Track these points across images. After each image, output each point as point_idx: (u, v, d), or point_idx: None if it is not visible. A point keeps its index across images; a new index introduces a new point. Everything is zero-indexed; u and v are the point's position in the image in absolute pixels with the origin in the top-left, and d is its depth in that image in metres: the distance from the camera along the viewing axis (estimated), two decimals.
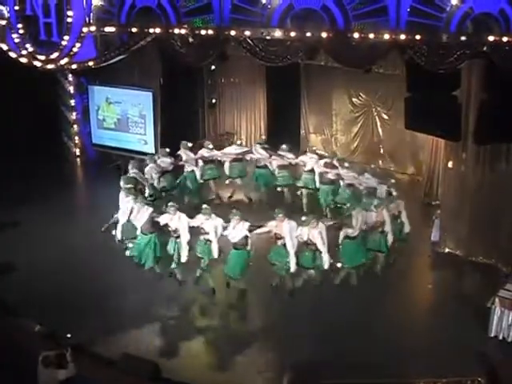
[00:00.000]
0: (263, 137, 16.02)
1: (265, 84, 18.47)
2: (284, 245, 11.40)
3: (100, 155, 18.38)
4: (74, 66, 15.38)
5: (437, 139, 14.19)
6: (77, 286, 11.73)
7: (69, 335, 8.99)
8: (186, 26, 13.19)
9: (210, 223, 11.54)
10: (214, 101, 19.08)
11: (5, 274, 12.10)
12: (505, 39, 10.89)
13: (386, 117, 17.32)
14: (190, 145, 15.19)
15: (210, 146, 15.34)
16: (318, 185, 14.69)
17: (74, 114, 18.47)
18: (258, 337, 10.68)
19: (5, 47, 15.64)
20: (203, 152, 15.17)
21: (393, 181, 13.74)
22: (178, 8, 13.30)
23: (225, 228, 11.58)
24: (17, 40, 15.51)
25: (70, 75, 17.73)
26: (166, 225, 11.73)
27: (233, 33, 12.67)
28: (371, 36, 11.65)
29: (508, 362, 9.59)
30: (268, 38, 12.45)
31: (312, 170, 14.72)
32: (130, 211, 12.08)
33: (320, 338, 10.37)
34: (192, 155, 15.03)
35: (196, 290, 11.89)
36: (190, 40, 13.38)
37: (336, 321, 10.82)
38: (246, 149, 15.46)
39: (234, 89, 19.07)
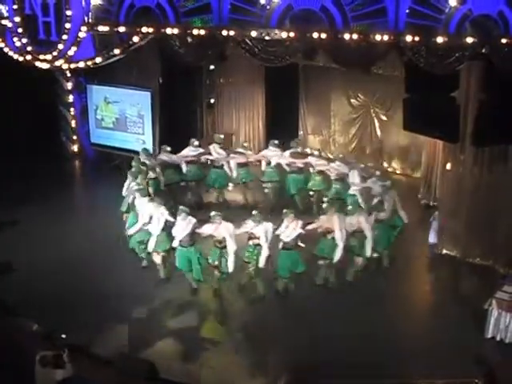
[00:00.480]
0: (245, 144, 15.84)
1: (263, 84, 18.48)
2: (333, 238, 11.44)
3: (99, 155, 18.37)
4: (72, 66, 15.38)
5: (435, 141, 14.19)
6: (76, 286, 11.72)
7: (64, 335, 8.97)
8: (184, 25, 13.21)
9: (260, 228, 11.33)
10: (212, 101, 19.05)
11: (4, 274, 12.07)
12: (503, 41, 10.91)
13: (384, 118, 17.34)
14: (168, 148, 14.98)
15: (196, 143, 15.23)
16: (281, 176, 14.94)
17: (73, 113, 18.45)
18: (258, 337, 10.65)
19: (3, 46, 15.65)
20: (187, 152, 15.04)
21: (378, 172, 13.91)
22: (177, 8, 13.31)
23: (275, 230, 11.44)
24: (15, 39, 15.53)
25: (69, 74, 17.72)
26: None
27: (232, 33, 12.69)
28: (370, 37, 11.67)
29: (506, 364, 9.60)
30: (267, 38, 12.46)
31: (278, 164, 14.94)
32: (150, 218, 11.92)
33: (320, 338, 10.38)
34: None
35: (195, 291, 11.88)
36: (189, 40, 13.40)
37: (336, 321, 10.83)
38: (202, 150, 15.12)
39: (232, 89, 19.05)
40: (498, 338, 10.40)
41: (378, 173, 13.88)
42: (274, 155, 15.01)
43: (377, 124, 17.56)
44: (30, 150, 17.37)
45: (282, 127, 17.97)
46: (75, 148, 18.79)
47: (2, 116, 16.96)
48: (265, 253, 11.30)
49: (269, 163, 15.13)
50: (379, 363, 9.59)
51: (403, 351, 10.21)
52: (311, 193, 15.04)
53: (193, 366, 9.99)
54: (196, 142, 15.18)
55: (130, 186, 12.83)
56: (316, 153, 15.13)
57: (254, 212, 11.64)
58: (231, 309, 11.56)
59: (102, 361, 9.54)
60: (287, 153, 15.01)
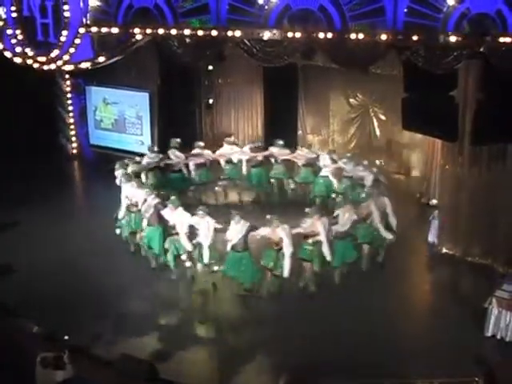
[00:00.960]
0: (201, 143, 15.66)
1: (262, 85, 18.47)
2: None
3: (98, 156, 18.37)
4: (71, 67, 15.36)
5: (434, 140, 14.21)
6: (76, 287, 11.73)
7: (66, 337, 8.97)
8: (182, 26, 13.21)
9: (319, 223, 11.32)
10: (211, 101, 19.05)
11: (5, 275, 12.08)
12: (502, 40, 10.90)
13: (383, 117, 17.35)
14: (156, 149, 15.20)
15: (156, 150, 15.25)
16: (244, 171, 15.18)
17: (72, 114, 18.44)
18: (257, 338, 10.65)
19: (1, 48, 15.62)
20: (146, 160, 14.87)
21: (375, 169, 14.08)
22: (175, 8, 13.30)
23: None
24: (14, 41, 15.49)
25: (67, 76, 17.71)
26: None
27: (230, 33, 12.68)
28: (368, 37, 11.66)
29: (506, 363, 9.61)
30: (265, 38, 12.46)
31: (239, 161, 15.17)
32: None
33: (320, 338, 10.37)
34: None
35: (194, 291, 11.88)
36: (187, 40, 13.39)
37: (336, 321, 10.84)
38: (161, 155, 15.03)
39: (231, 89, 19.06)
40: (498, 337, 10.40)
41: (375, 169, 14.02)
42: (233, 152, 15.14)
43: (376, 123, 17.58)
44: (30, 151, 17.39)
45: (280, 127, 17.95)
46: (74, 149, 18.79)
47: (2, 117, 16.95)
48: (326, 249, 11.31)
49: (229, 161, 15.26)
50: (379, 363, 9.60)
51: (403, 351, 10.21)
52: (272, 180, 15.44)
53: (192, 366, 9.98)
54: (156, 148, 15.34)
55: (149, 199, 12.35)
56: (281, 142, 15.48)
57: (307, 210, 11.67)
58: (230, 310, 11.57)
59: (102, 362, 9.53)
60: (247, 148, 15.30)
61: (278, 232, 11.15)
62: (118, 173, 13.38)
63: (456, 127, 11.96)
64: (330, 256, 11.44)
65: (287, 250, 11.10)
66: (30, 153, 17.35)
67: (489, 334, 10.45)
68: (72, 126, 18.60)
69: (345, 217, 11.66)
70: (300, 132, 18.95)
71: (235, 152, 15.28)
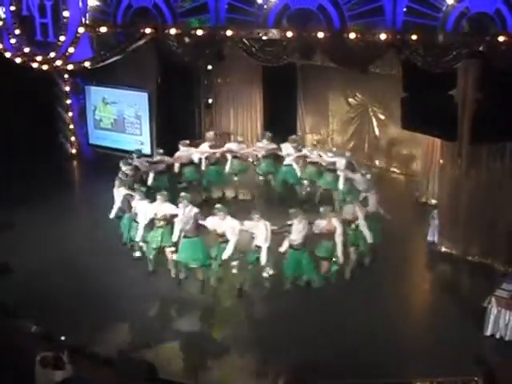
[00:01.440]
0: (160, 150, 15.27)
1: (261, 84, 18.42)
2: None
3: (97, 155, 18.37)
4: (70, 67, 15.37)
5: (433, 139, 14.19)
6: (76, 287, 11.72)
7: (63, 337, 8.97)
8: (181, 26, 13.22)
9: (337, 221, 11.42)
10: (210, 101, 19.04)
11: (4, 275, 12.07)
12: (501, 39, 10.91)
13: (382, 117, 17.32)
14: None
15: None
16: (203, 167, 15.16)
17: (71, 114, 18.45)
18: (257, 337, 10.64)
19: (1, 47, 15.64)
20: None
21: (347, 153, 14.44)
22: (174, 8, 13.31)
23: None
24: (13, 40, 15.51)
25: (66, 75, 17.72)
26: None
27: (229, 33, 12.69)
28: (367, 36, 11.67)
29: (505, 362, 9.60)
30: (264, 38, 12.47)
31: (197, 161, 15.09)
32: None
33: (319, 338, 10.36)
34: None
35: (193, 290, 11.87)
36: (186, 40, 13.39)
37: (335, 321, 10.83)
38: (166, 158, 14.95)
39: (230, 89, 19.03)
40: (497, 336, 10.39)
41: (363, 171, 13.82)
42: (190, 154, 15.01)
43: (375, 123, 17.54)
44: (29, 150, 17.35)
45: (280, 127, 17.90)
46: (74, 149, 18.79)
47: (1, 117, 16.95)
48: (339, 248, 11.43)
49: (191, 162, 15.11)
50: (379, 363, 9.59)
51: (403, 351, 10.20)
52: (235, 178, 15.59)
53: (192, 366, 9.99)
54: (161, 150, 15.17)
55: (187, 210, 11.79)
56: (240, 139, 16.00)
57: (322, 209, 11.70)
58: (229, 309, 11.56)
59: (101, 361, 9.54)
60: (205, 147, 15.23)
61: (334, 222, 11.34)
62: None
63: (455, 127, 11.96)
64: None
65: (339, 238, 11.36)
66: (29, 152, 17.31)
67: (488, 333, 10.44)
68: (71, 126, 18.58)
69: (299, 227, 11.35)
70: (299, 132, 18.90)
71: (193, 152, 15.09)
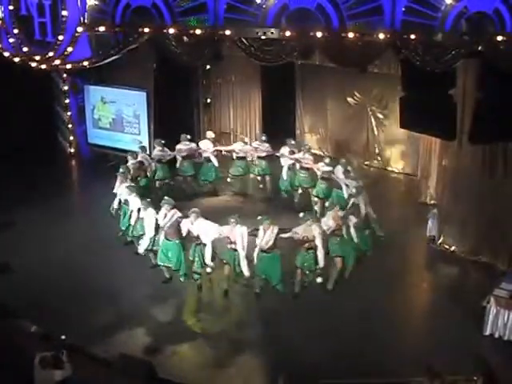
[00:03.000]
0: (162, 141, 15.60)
1: (260, 84, 18.44)
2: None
3: (96, 155, 18.37)
4: (68, 66, 15.35)
5: (432, 138, 14.21)
6: (75, 287, 11.72)
7: (63, 337, 8.97)
8: (180, 25, 13.20)
9: (316, 229, 11.20)
10: (208, 100, 19.06)
11: (4, 275, 12.07)
12: (499, 38, 10.92)
13: (380, 116, 17.34)
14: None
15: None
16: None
17: (70, 113, 18.45)
18: (257, 337, 10.65)
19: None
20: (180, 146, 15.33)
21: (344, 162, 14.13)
22: (173, 7, 13.29)
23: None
24: (11, 40, 15.47)
25: (65, 75, 17.70)
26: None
27: (227, 32, 12.68)
28: (366, 36, 11.67)
29: (504, 362, 9.62)
30: (263, 37, 12.46)
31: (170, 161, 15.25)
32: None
33: (320, 338, 10.37)
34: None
35: (193, 290, 11.88)
36: (185, 39, 13.38)
37: (335, 321, 10.84)
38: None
39: (229, 88, 19.05)
40: (496, 336, 10.40)
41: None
42: (164, 156, 15.10)
43: (373, 122, 17.55)
44: (28, 150, 17.36)
45: (278, 126, 17.94)
46: (72, 148, 18.79)
47: (0, 116, 16.93)
48: (321, 257, 11.18)
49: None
50: (379, 363, 9.61)
51: (402, 350, 10.21)
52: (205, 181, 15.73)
53: (191, 365, 9.99)
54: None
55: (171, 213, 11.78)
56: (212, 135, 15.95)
57: (301, 215, 11.53)
58: (229, 310, 11.57)
59: (100, 361, 9.55)
60: (182, 147, 15.30)
61: (313, 230, 11.11)
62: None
63: (454, 126, 11.98)
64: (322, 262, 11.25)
65: (320, 251, 11.13)
66: (28, 152, 17.33)
67: (487, 332, 10.45)
68: (70, 125, 18.58)
69: (266, 234, 11.15)
70: (298, 131, 18.92)
71: (194, 147, 15.39)
